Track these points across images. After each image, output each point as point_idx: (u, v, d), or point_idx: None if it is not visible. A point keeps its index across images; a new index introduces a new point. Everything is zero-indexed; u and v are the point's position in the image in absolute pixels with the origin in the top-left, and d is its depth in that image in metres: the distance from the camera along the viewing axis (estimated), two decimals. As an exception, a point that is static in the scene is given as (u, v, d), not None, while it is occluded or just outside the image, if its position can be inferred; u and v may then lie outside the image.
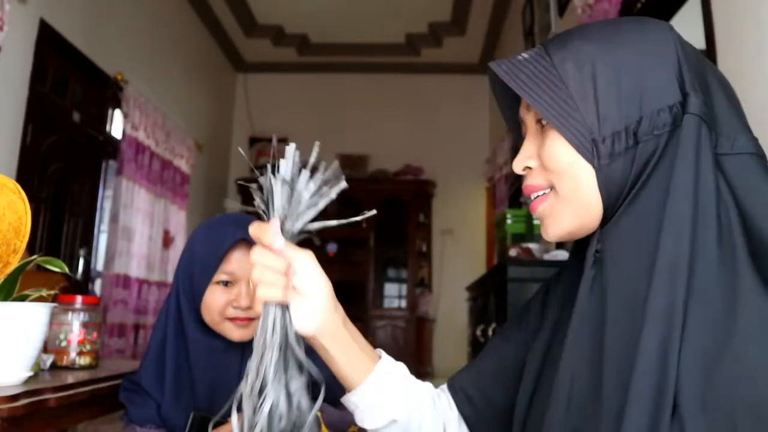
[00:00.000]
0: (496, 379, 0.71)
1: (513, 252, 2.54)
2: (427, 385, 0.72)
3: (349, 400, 0.65)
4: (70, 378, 1.13)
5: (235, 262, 1.02)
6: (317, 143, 0.60)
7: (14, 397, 0.88)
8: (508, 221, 3.00)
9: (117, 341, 3.80)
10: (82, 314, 1.29)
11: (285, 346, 0.56)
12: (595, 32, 0.57)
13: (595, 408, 0.51)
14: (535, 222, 2.94)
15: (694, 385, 0.45)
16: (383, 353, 0.67)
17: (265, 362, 0.55)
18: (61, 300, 1.29)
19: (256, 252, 0.57)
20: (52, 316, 1.10)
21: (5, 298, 0.96)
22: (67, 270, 1.00)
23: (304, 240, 0.61)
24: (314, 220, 0.59)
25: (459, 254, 5.80)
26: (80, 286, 3.58)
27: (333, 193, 0.58)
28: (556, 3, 3.39)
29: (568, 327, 0.57)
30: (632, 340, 0.49)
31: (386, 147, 5.87)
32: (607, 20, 0.60)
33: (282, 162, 0.57)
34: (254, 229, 0.58)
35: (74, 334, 1.28)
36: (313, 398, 0.57)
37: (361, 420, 0.64)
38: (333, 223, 0.60)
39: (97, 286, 3.80)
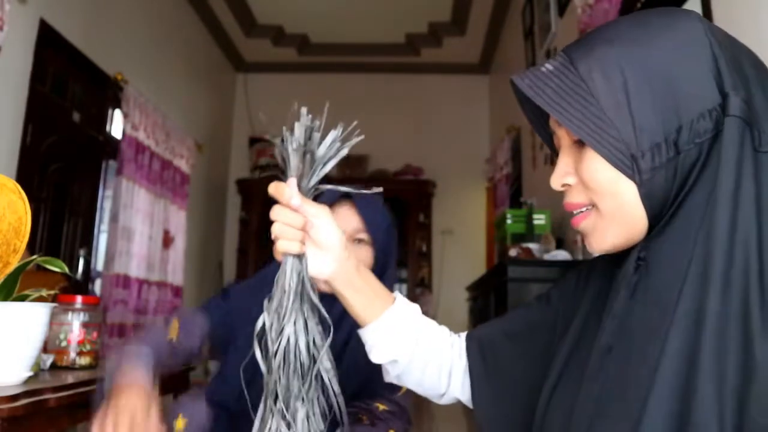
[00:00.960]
0: (511, 344, 0.72)
1: (513, 252, 2.54)
2: (442, 330, 0.75)
3: (362, 334, 0.71)
4: (70, 378, 1.13)
5: (337, 217, 1.08)
6: (327, 104, 0.68)
7: (14, 397, 0.88)
8: (508, 221, 3.00)
9: (117, 341, 3.80)
10: (82, 314, 1.29)
11: (301, 291, 0.63)
12: (620, 33, 0.54)
13: (619, 409, 0.51)
14: (535, 222, 2.94)
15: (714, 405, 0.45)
16: (399, 298, 0.72)
17: (283, 305, 0.62)
18: (61, 300, 1.29)
19: (276, 210, 0.63)
20: (52, 316, 1.10)
21: (5, 298, 0.96)
22: (67, 270, 1.00)
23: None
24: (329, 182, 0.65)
25: (459, 254, 5.80)
26: (80, 286, 3.58)
27: (344, 150, 0.66)
28: (556, 3, 3.39)
29: (597, 330, 0.56)
30: (661, 344, 0.49)
31: (386, 147, 5.86)
32: (631, 16, 0.56)
33: (296, 125, 0.63)
34: (272, 188, 0.63)
35: (74, 334, 1.28)
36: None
37: (369, 352, 0.71)
38: (345, 189, 0.69)
39: (97, 286, 3.80)
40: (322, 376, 0.63)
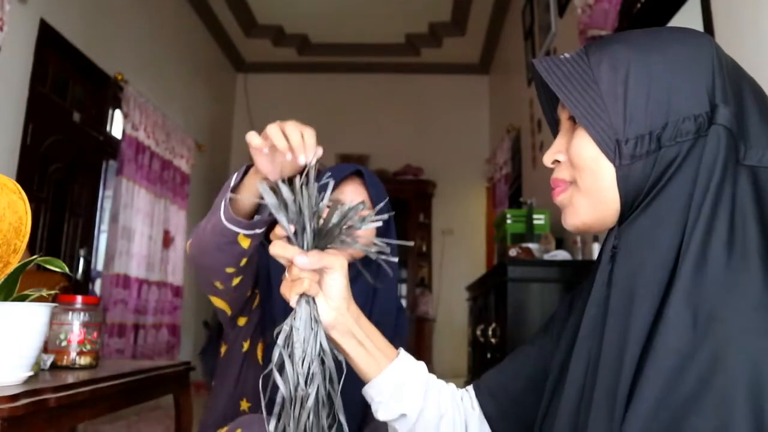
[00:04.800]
0: (519, 379, 0.73)
1: (513, 252, 2.54)
2: (450, 386, 0.75)
3: (366, 393, 0.70)
4: (70, 378, 1.13)
5: (347, 190, 1.11)
6: (319, 150, 0.69)
7: (14, 397, 0.88)
8: (508, 221, 3.00)
9: (117, 341, 3.80)
10: (82, 314, 1.29)
11: (315, 333, 0.63)
12: (634, 38, 0.59)
13: (596, 397, 0.52)
14: (535, 222, 2.94)
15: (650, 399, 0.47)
16: (403, 352, 0.71)
17: (299, 347, 0.62)
18: (61, 300, 1.29)
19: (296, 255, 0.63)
20: (53, 316, 1.10)
21: (5, 298, 0.96)
22: (67, 270, 1.00)
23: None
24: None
25: (459, 254, 5.80)
26: (80, 286, 3.58)
27: (363, 226, 0.65)
28: (556, 3, 3.39)
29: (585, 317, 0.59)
30: (624, 333, 0.52)
31: (386, 147, 5.87)
32: (649, 28, 0.61)
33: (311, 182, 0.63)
34: (278, 250, 0.64)
35: (74, 334, 1.28)
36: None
37: (375, 411, 0.69)
38: (359, 246, 0.66)
39: (97, 286, 3.80)
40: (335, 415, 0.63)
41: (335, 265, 0.64)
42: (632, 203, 0.57)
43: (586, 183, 0.59)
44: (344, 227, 0.64)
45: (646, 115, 0.55)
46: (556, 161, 0.64)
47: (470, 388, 0.76)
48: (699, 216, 0.51)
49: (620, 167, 0.56)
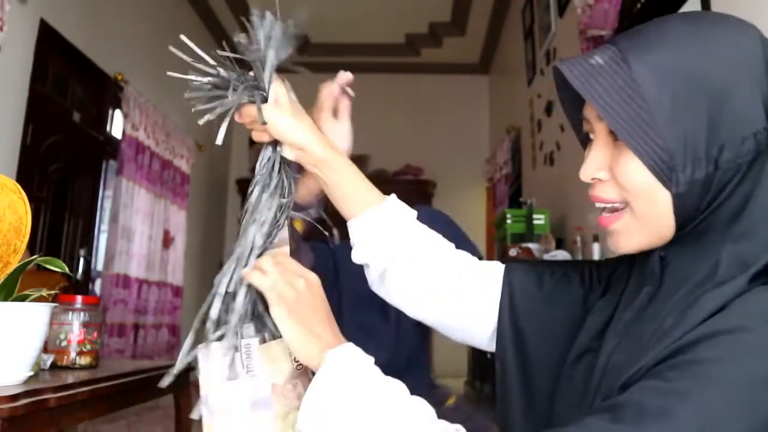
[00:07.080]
0: (552, 307, 0.70)
1: (513, 252, 2.55)
2: (444, 249, 0.74)
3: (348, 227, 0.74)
4: (70, 378, 1.14)
5: None
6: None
7: (14, 397, 0.88)
8: (508, 221, 3.01)
9: (117, 341, 3.80)
10: (82, 314, 1.29)
11: (278, 172, 0.72)
12: (678, 38, 0.53)
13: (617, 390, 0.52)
14: (535, 222, 2.94)
15: None
16: (390, 201, 0.73)
17: (260, 185, 0.71)
18: (61, 300, 1.30)
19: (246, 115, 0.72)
20: (53, 316, 1.10)
21: (5, 298, 0.96)
22: (67, 270, 1.00)
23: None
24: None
25: (459, 254, 5.79)
26: (80, 286, 3.58)
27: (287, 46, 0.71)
28: (556, 3, 3.39)
29: (621, 316, 0.59)
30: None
31: (386, 147, 5.87)
32: (689, 20, 0.56)
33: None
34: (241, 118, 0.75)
35: (74, 334, 1.28)
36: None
37: (352, 248, 0.73)
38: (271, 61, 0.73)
39: (97, 286, 3.80)
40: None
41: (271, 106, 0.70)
42: (685, 224, 0.54)
43: (642, 209, 0.55)
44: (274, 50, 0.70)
45: (701, 136, 0.51)
46: (597, 178, 0.58)
47: (499, 269, 0.75)
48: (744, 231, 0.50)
49: (677, 195, 0.52)
